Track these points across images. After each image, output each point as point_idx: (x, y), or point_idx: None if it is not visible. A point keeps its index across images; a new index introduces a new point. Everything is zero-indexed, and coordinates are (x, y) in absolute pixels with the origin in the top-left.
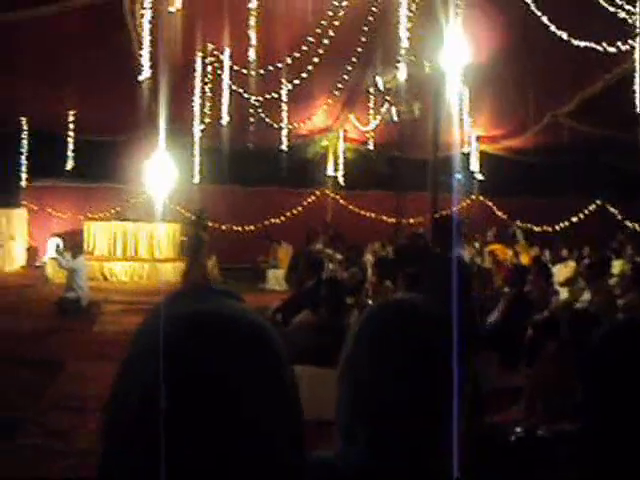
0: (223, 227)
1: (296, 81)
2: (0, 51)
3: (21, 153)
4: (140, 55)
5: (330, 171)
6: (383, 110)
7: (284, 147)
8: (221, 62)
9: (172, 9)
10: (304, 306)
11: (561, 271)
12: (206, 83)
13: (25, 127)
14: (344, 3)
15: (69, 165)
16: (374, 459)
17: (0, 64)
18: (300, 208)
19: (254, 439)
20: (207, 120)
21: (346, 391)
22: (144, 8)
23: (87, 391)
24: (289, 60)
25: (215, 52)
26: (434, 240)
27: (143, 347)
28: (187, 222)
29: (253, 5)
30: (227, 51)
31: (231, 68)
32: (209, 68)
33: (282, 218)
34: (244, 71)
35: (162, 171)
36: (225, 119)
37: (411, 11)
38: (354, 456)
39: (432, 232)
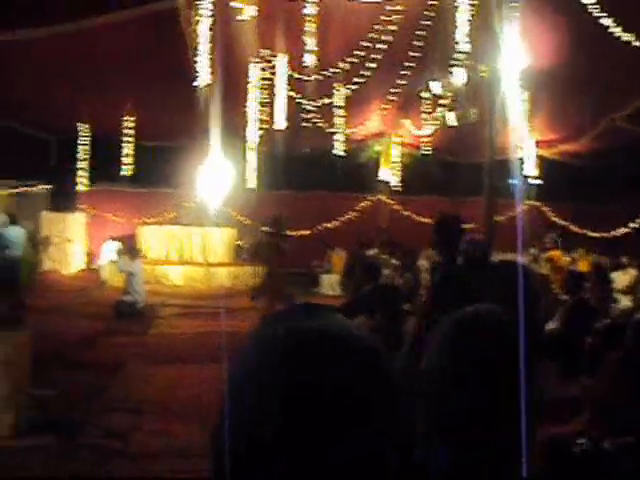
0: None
1: (351, 86)
2: (60, 59)
3: (79, 158)
4: (196, 62)
5: (384, 176)
6: (438, 114)
7: (338, 152)
8: (276, 67)
9: (243, 17)
10: (360, 312)
11: (620, 278)
12: (262, 89)
13: (84, 133)
14: (399, 7)
15: (126, 170)
16: (448, 465)
17: (60, 72)
18: (354, 213)
19: (360, 450)
20: (262, 125)
21: (420, 401)
22: (200, 15)
23: (144, 393)
24: (344, 65)
25: (270, 58)
26: (436, 245)
27: (254, 364)
28: (266, 229)
29: (310, 11)
30: (282, 57)
31: (286, 74)
32: (265, 74)
33: (336, 223)
34: (299, 76)
35: (216, 176)
36: (280, 124)
37: (472, 15)
38: (432, 460)
39: (434, 235)
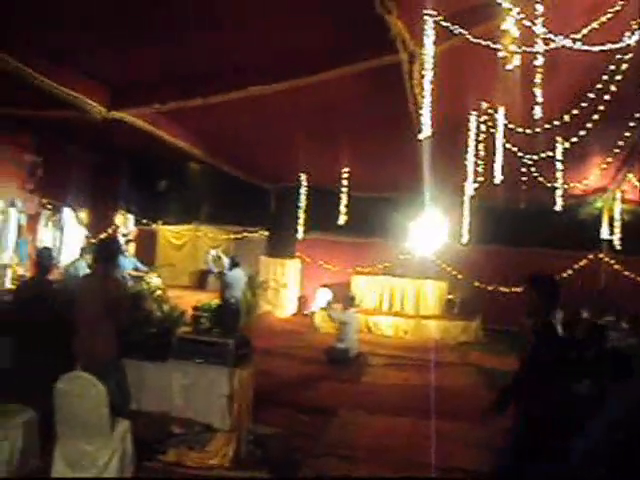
0: (489, 287)
1: (573, 139)
2: (282, 113)
3: (298, 207)
4: (418, 115)
5: (604, 234)
6: None
7: (556, 207)
8: (496, 120)
9: (510, 66)
10: (584, 375)
11: None
12: (479, 142)
13: (303, 183)
14: (628, 56)
15: (341, 220)
16: None
17: (283, 125)
18: (571, 272)
19: None
20: (479, 179)
21: None
22: (424, 69)
23: (358, 440)
24: (566, 117)
25: (489, 110)
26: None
27: None
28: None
29: (540, 63)
30: (502, 109)
31: (505, 126)
32: (482, 127)
33: None
34: (519, 129)
35: (430, 229)
36: (497, 178)
37: None
38: None
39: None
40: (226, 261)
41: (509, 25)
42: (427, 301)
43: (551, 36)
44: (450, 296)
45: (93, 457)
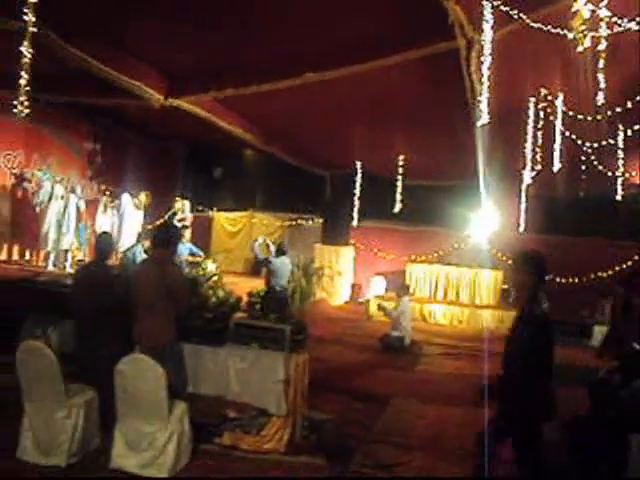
0: (546, 277)
1: (635, 126)
2: (337, 101)
3: (354, 194)
4: (476, 102)
5: None
6: None
7: (617, 197)
8: (554, 107)
9: (580, 48)
10: None
11: None
12: (538, 129)
13: (359, 171)
14: None
15: (397, 208)
16: None
17: (338, 113)
18: (630, 262)
19: None
20: (537, 167)
21: None
22: (483, 55)
23: (412, 429)
24: (629, 104)
25: (549, 97)
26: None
27: None
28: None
29: (602, 47)
30: (561, 96)
31: (565, 113)
32: (541, 114)
33: (610, 272)
34: (579, 116)
35: (486, 218)
36: (556, 166)
37: None
38: None
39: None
40: (273, 248)
41: (580, 6)
42: (482, 290)
43: (615, 19)
44: (506, 286)
45: (152, 438)
